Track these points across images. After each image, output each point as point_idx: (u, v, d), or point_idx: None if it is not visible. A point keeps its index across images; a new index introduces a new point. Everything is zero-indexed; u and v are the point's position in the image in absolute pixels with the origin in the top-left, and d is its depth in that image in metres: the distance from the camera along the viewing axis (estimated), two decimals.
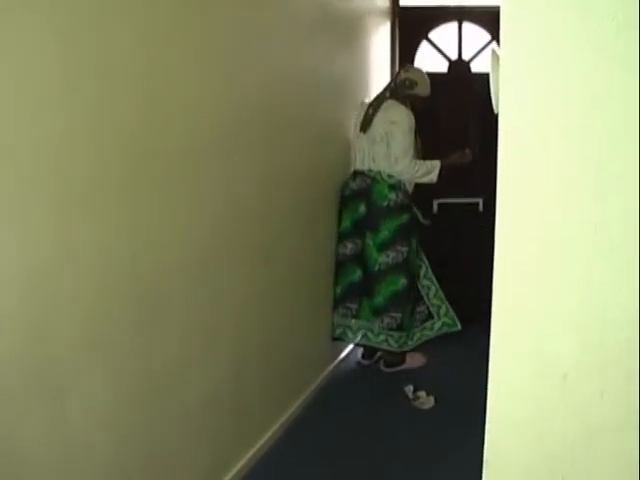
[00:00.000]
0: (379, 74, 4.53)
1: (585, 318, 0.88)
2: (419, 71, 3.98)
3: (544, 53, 0.84)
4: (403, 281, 3.79)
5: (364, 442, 3.22)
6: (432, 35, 4.78)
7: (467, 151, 4.00)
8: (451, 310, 3.95)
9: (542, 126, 0.86)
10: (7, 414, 1.68)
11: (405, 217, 3.78)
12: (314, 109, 3.46)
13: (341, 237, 3.89)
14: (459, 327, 3.93)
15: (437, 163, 3.81)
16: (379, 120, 3.78)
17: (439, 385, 3.74)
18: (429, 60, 4.82)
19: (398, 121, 3.73)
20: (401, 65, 4.48)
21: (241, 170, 2.72)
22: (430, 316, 3.95)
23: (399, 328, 3.85)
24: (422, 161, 3.80)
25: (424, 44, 4.80)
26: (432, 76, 4.02)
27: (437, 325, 3.96)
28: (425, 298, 3.93)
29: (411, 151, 3.75)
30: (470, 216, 4.57)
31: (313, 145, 3.48)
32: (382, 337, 3.89)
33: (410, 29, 4.77)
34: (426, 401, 3.59)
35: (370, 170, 3.79)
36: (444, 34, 4.78)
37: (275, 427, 3.21)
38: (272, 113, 2.95)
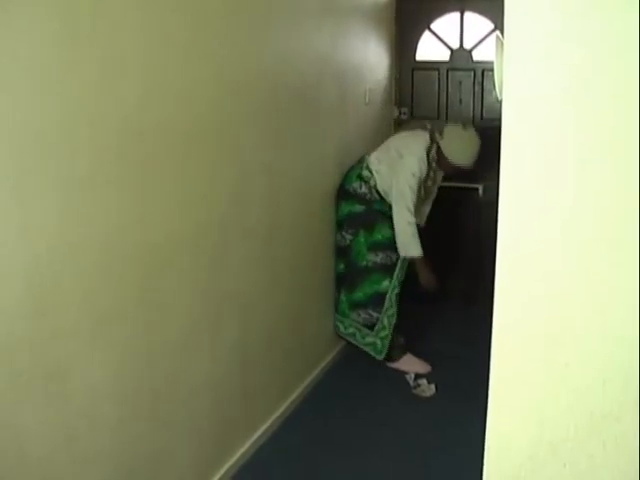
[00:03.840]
0: (381, 63, 4.52)
1: (586, 306, 0.88)
2: (460, 136, 3.64)
3: (549, 35, 0.84)
4: (386, 283, 3.75)
5: (365, 429, 3.23)
6: (434, 25, 4.77)
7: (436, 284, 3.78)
8: (388, 341, 3.79)
9: (547, 111, 0.85)
10: (10, 393, 1.70)
11: None
12: (316, 96, 3.45)
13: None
14: (381, 358, 3.81)
15: (417, 252, 3.63)
16: (397, 143, 3.73)
17: (440, 373, 3.75)
18: (431, 49, 4.81)
19: (409, 159, 3.60)
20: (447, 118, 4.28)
21: (245, 153, 2.73)
22: (371, 327, 3.82)
23: (371, 327, 3.82)
24: (415, 231, 3.60)
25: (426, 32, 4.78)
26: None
27: (368, 340, 3.84)
28: (383, 310, 3.79)
29: (407, 199, 3.56)
30: (470, 201, 4.57)
31: (315, 132, 3.48)
32: (352, 330, 3.88)
33: (412, 19, 4.75)
34: (427, 389, 3.60)
35: (370, 177, 3.72)
36: (446, 23, 4.76)
37: (279, 412, 3.24)
38: (274, 100, 2.95)
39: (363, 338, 3.85)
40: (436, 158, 3.66)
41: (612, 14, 0.80)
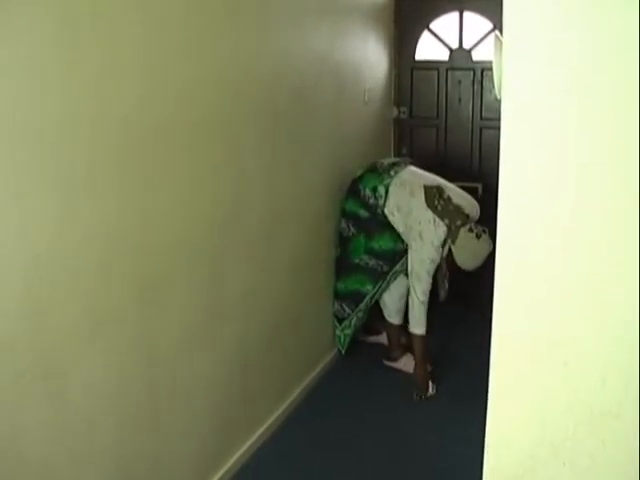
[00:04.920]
0: (380, 63, 4.52)
1: (586, 306, 0.88)
2: (476, 247, 3.41)
3: (548, 34, 0.84)
4: (369, 287, 3.76)
5: (364, 430, 3.23)
6: (433, 25, 4.77)
7: (429, 385, 3.61)
8: (349, 339, 3.87)
9: (547, 111, 0.86)
10: (10, 393, 1.70)
11: (401, 246, 3.65)
12: (315, 96, 3.45)
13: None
14: (343, 352, 3.90)
15: (421, 331, 3.56)
16: (418, 216, 3.50)
17: (440, 373, 3.75)
18: (430, 48, 4.81)
19: (431, 229, 3.42)
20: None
21: (244, 154, 2.73)
22: (339, 321, 3.87)
23: (340, 320, 3.86)
24: (425, 310, 3.53)
25: (425, 32, 4.79)
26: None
27: (336, 332, 3.92)
28: (355, 309, 3.82)
29: (424, 283, 3.48)
30: None
31: (314, 131, 3.48)
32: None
33: (412, 18, 4.76)
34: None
35: (383, 196, 3.60)
36: (445, 22, 4.76)
37: (278, 412, 3.24)
38: (273, 101, 2.95)
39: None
40: (446, 253, 3.53)
41: (612, 13, 0.80)
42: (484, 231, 3.42)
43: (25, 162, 1.68)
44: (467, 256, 3.45)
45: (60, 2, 1.74)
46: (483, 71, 4.67)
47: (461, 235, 3.43)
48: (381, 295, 3.85)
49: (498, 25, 4.40)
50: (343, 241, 3.82)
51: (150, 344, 2.23)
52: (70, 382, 1.88)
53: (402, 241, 3.64)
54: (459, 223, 3.41)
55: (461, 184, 4.48)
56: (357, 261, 3.75)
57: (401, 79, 4.88)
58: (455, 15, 4.72)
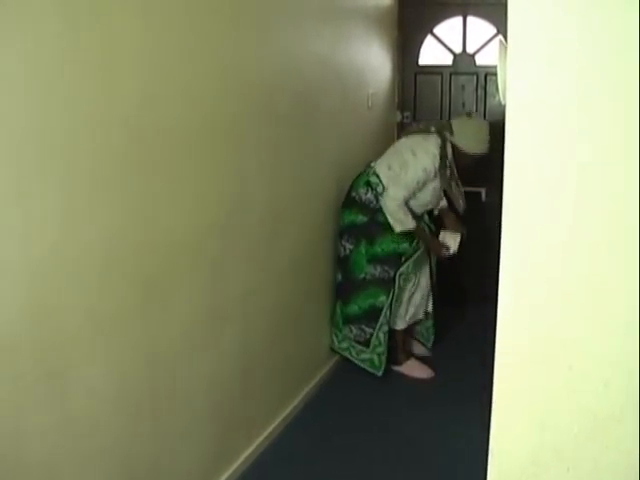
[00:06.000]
0: (383, 67, 4.53)
1: (589, 309, 0.88)
2: (470, 123, 3.75)
3: (553, 39, 0.84)
4: (383, 298, 3.68)
5: (367, 434, 3.22)
6: (437, 29, 4.78)
7: (449, 245, 3.77)
8: (385, 357, 3.72)
9: (551, 115, 0.86)
10: (12, 395, 1.70)
11: (404, 246, 3.67)
12: (318, 101, 3.45)
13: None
14: (379, 374, 3.73)
15: (411, 224, 3.60)
16: (409, 144, 3.71)
17: (442, 376, 3.75)
18: (434, 53, 4.82)
19: (420, 156, 3.60)
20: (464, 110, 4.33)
21: (246, 156, 2.73)
22: (366, 344, 3.74)
23: (366, 343, 3.74)
24: (406, 209, 3.60)
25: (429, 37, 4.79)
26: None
27: (364, 356, 3.77)
28: (377, 326, 3.71)
29: (410, 190, 3.59)
30: (473, 205, 4.58)
31: (317, 136, 3.48)
32: (345, 344, 3.82)
33: (415, 23, 4.76)
34: (451, 240, 3.75)
35: (378, 183, 3.68)
36: (449, 27, 4.77)
37: (281, 417, 3.24)
38: (276, 104, 2.95)
39: (358, 354, 3.78)
40: (452, 156, 3.67)
41: (616, 19, 0.80)
42: (470, 112, 3.84)
43: (28, 165, 1.69)
44: (469, 137, 3.65)
45: (63, 6, 1.74)
46: (487, 76, 4.68)
47: (454, 125, 3.69)
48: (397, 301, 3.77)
49: (502, 29, 4.41)
50: (342, 263, 3.78)
51: (152, 347, 2.23)
52: (71, 383, 1.88)
53: (404, 241, 3.65)
54: (448, 134, 3.67)
55: (464, 188, 4.48)
56: (362, 276, 3.71)
57: (404, 84, 4.89)
58: (459, 20, 4.73)
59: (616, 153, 0.83)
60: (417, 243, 3.70)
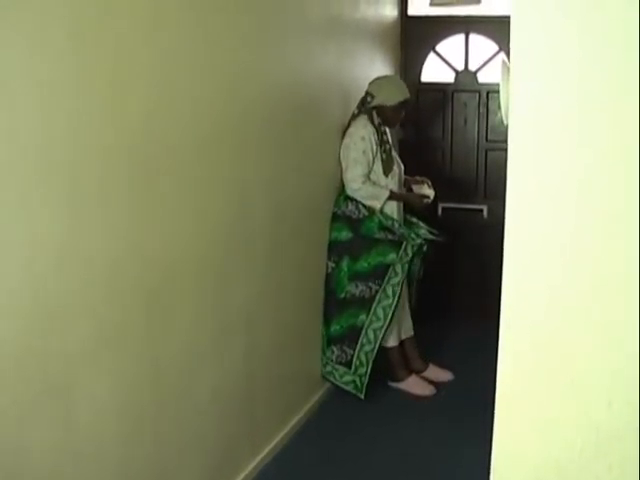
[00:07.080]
0: None
1: (592, 324, 0.88)
2: (384, 78, 3.90)
3: (556, 59, 0.84)
4: (362, 317, 3.62)
5: (370, 448, 3.21)
6: (439, 47, 4.80)
7: (427, 194, 3.88)
8: (367, 378, 3.61)
9: (554, 132, 0.86)
10: (16, 409, 1.70)
11: (391, 257, 3.61)
12: (322, 116, 3.48)
13: None
14: (362, 396, 3.61)
15: (385, 193, 3.65)
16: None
17: (443, 391, 3.74)
18: (436, 70, 4.84)
19: (352, 132, 3.68)
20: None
21: (249, 170, 2.75)
22: (348, 365, 3.65)
23: (347, 364, 3.66)
24: (371, 183, 3.66)
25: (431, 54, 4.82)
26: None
27: (347, 378, 3.67)
28: (357, 346, 3.63)
29: (363, 163, 3.63)
30: (474, 222, 4.57)
31: (320, 151, 3.50)
32: (329, 368, 3.73)
33: (418, 40, 4.79)
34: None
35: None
36: (451, 45, 4.79)
37: (284, 430, 3.23)
38: (281, 119, 2.97)
39: (341, 377, 3.70)
40: (380, 118, 3.73)
41: (622, 35, 0.81)
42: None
43: (35, 176, 1.70)
44: (387, 88, 3.72)
45: (67, 19, 1.76)
46: (489, 93, 4.70)
47: (370, 88, 3.73)
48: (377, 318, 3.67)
49: (504, 47, 4.43)
50: (325, 281, 3.73)
51: (156, 360, 2.23)
52: (76, 396, 1.88)
53: (390, 251, 3.61)
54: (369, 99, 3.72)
55: (466, 206, 4.49)
56: (342, 296, 3.65)
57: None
58: (461, 37, 4.75)
59: (616, 162, 0.84)
60: (404, 250, 3.63)
